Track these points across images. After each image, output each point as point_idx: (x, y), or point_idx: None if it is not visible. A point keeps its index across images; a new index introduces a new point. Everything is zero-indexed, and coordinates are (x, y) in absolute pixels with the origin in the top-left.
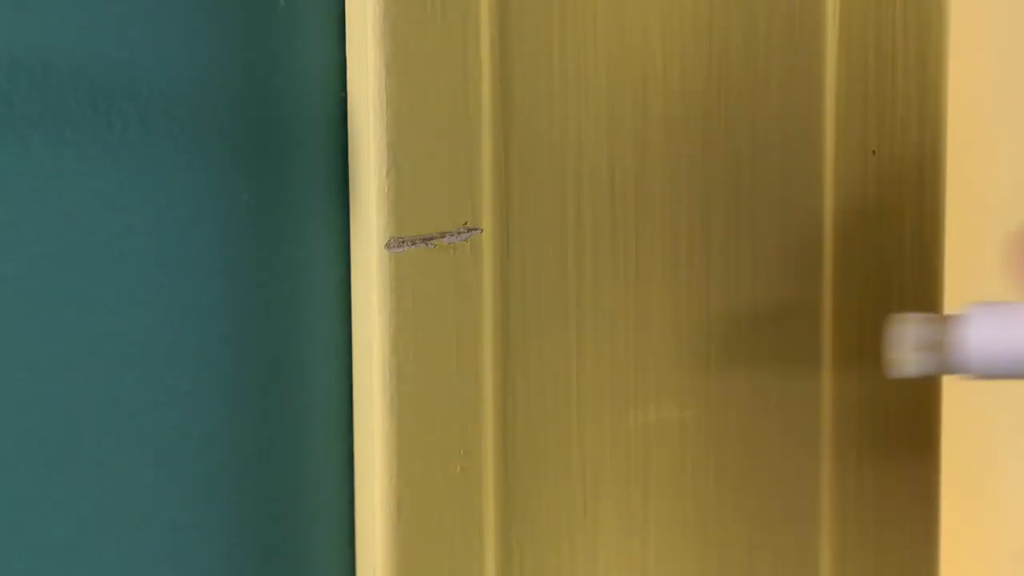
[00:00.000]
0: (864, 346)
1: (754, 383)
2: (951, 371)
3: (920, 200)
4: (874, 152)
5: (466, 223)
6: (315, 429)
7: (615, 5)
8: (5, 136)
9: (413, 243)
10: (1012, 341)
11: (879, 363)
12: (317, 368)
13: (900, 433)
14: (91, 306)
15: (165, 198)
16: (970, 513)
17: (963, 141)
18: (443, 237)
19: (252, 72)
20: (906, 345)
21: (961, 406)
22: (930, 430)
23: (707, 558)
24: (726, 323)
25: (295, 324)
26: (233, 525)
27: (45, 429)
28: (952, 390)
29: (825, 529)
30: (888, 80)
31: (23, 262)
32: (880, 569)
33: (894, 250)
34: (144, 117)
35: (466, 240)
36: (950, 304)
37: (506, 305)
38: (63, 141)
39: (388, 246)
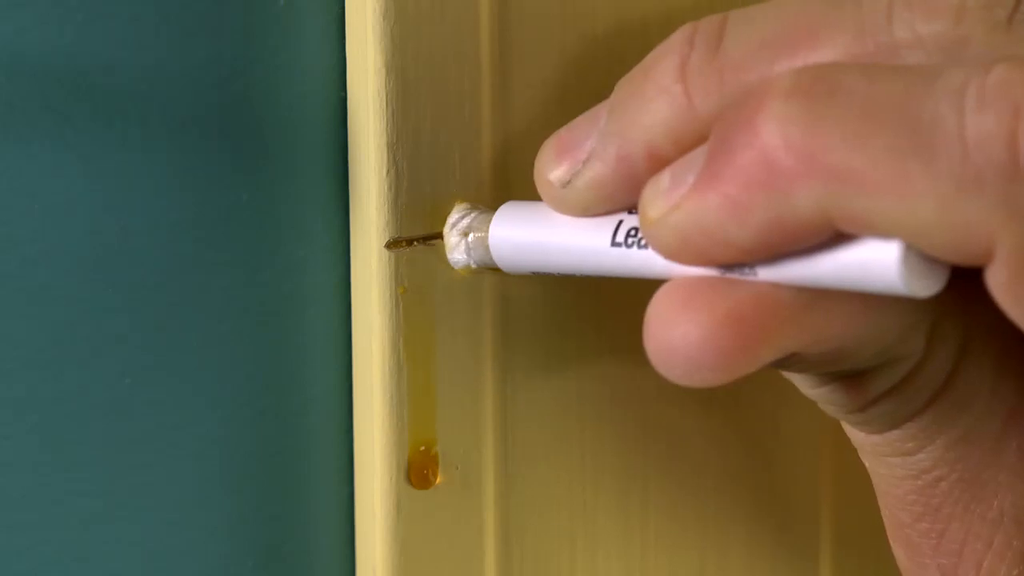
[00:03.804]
0: None
1: (756, 381)
2: (490, 262)
3: None
4: None
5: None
6: (315, 429)
7: (616, 4)
8: (5, 136)
9: (413, 243)
10: (527, 238)
11: None
12: (317, 368)
13: None
14: (91, 306)
15: (165, 198)
16: None
17: None
18: (443, 237)
19: (252, 72)
20: (452, 229)
21: None
22: None
23: (707, 557)
24: None
25: (295, 324)
26: (232, 525)
27: (45, 429)
28: None
29: (825, 528)
30: None
31: (23, 262)
32: (881, 569)
33: None
34: (144, 117)
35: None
36: None
37: (507, 305)
38: (63, 141)
39: (388, 246)
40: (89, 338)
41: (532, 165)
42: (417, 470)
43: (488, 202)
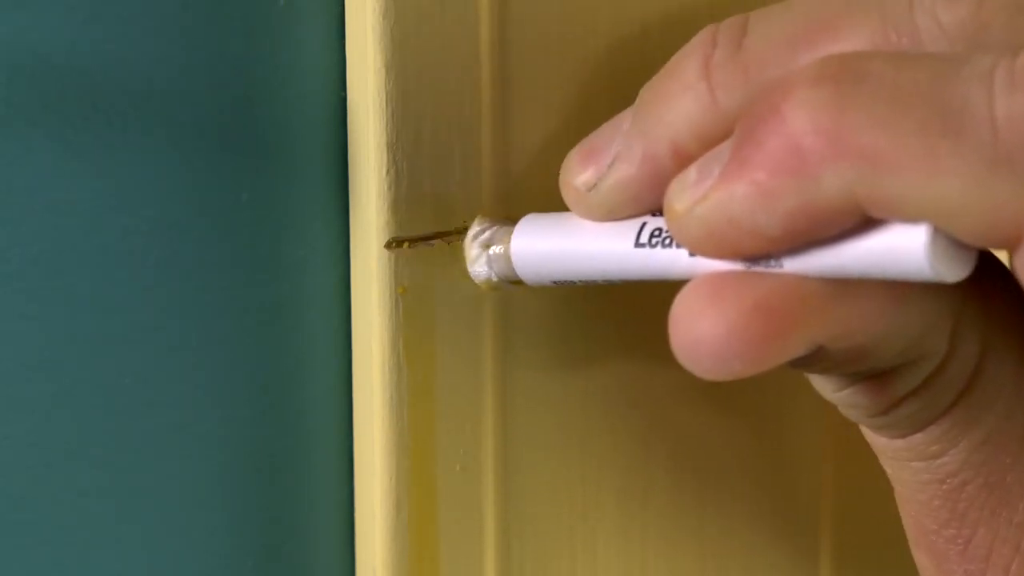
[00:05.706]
0: None
1: (759, 383)
2: (512, 275)
3: None
4: None
5: (465, 223)
6: (315, 429)
7: (616, 4)
8: (5, 136)
9: (413, 243)
10: (549, 246)
11: None
12: (317, 368)
13: None
14: (91, 306)
15: (165, 198)
16: None
17: None
18: (443, 237)
19: (252, 72)
20: (474, 242)
21: None
22: None
23: (706, 557)
24: None
25: (295, 324)
26: (232, 525)
27: (45, 429)
28: None
29: (826, 531)
30: None
31: (23, 262)
32: (881, 570)
33: None
34: (144, 117)
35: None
36: None
37: (506, 305)
38: (63, 141)
39: (388, 246)
40: (89, 338)
41: (532, 164)
42: (418, 468)
43: (489, 202)
